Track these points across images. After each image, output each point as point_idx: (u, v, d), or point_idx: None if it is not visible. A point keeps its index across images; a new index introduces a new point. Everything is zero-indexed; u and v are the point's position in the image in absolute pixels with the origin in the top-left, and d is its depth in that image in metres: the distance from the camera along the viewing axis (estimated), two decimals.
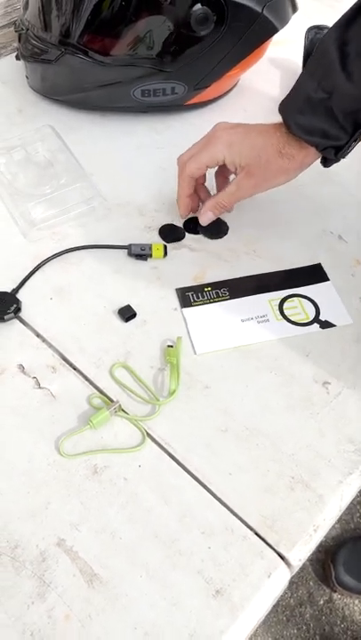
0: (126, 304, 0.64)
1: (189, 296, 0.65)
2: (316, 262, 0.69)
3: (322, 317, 0.64)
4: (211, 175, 0.70)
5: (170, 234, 0.71)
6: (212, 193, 0.70)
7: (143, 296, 0.65)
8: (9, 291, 0.64)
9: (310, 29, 0.91)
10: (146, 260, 0.68)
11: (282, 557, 0.49)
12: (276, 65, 0.91)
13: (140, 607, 0.47)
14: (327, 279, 0.67)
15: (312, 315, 0.64)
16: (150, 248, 0.68)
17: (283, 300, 0.65)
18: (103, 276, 0.67)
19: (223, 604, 0.47)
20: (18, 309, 0.63)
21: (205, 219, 0.69)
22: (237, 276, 0.67)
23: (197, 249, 0.70)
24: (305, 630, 1.27)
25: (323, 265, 0.69)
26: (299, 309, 0.65)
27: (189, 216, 0.72)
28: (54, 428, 0.55)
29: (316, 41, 0.87)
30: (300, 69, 0.88)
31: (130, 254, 0.68)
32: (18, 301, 0.63)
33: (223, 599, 0.47)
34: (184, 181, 0.67)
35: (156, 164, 0.79)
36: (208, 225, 0.70)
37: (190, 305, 0.65)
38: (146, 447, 0.55)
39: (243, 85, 0.90)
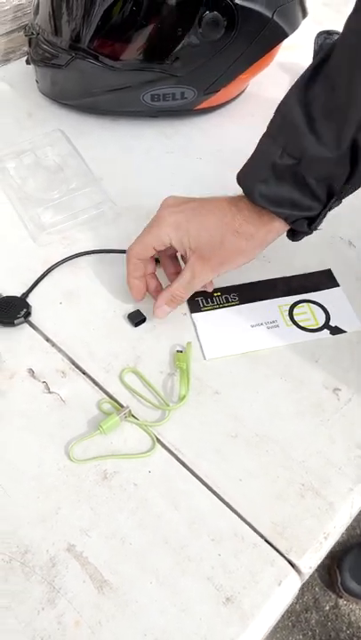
0: (136, 309, 0.64)
1: (199, 301, 0.65)
2: (326, 268, 0.69)
3: (332, 323, 0.64)
4: None
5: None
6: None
7: (152, 301, 0.65)
8: (19, 295, 0.64)
9: (320, 34, 0.91)
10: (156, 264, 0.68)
11: (292, 565, 0.49)
12: (285, 70, 0.91)
13: (150, 614, 0.46)
14: (337, 285, 0.67)
15: (322, 321, 0.64)
16: None
17: (293, 306, 0.65)
18: (112, 281, 0.67)
19: (233, 611, 0.47)
20: (28, 314, 0.63)
21: (161, 313, 0.61)
22: (247, 282, 0.67)
23: None
24: (311, 636, 1.26)
25: (333, 271, 0.68)
26: (309, 315, 0.65)
27: None
28: (64, 433, 0.55)
29: (326, 46, 0.86)
30: None
31: None
32: (28, 306, 0.63)
33: (233, 607, 0.47)
34: (129, 263, 0.62)
35: (166, 168, 0.79)
36: None
37: (200, 310, 0.65)
38: (156, 453, 0.54)
39: (251, 90, 0.90)
